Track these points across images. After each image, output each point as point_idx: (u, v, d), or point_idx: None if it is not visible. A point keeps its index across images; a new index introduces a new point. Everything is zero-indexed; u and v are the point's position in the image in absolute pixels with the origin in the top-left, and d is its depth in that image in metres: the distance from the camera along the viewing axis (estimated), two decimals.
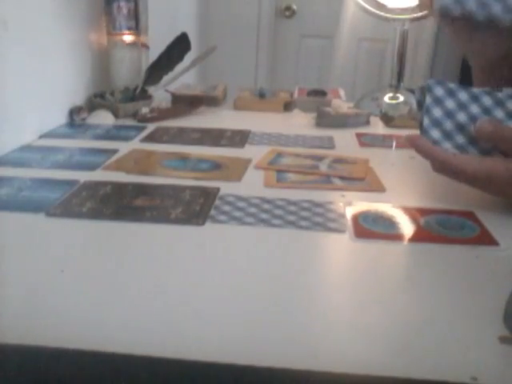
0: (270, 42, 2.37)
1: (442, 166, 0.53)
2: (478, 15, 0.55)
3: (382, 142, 0.82)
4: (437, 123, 0.54)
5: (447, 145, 0.54)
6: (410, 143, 0.55)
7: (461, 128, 0.54)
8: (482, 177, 0.51)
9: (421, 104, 0.56)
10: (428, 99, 0.55)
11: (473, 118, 0.54)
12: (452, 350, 0.32)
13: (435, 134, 0.54)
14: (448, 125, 0.54)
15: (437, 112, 0.54)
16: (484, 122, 0.53)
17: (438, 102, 0.55)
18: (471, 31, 0.58)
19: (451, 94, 0.54)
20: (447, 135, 0.54)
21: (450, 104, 0.54)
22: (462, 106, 0.54)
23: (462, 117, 0.54)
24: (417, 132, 0.56)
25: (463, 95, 0.54)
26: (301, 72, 2.39)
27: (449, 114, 0.54)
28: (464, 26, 0.58)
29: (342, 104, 1.01)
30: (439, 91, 0.55)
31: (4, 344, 0.31)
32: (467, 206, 0.54)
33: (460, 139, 0.54)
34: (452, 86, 0.55)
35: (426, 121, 0.54)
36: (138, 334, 0.33)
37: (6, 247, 0.44)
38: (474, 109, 0.54)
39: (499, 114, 0.53)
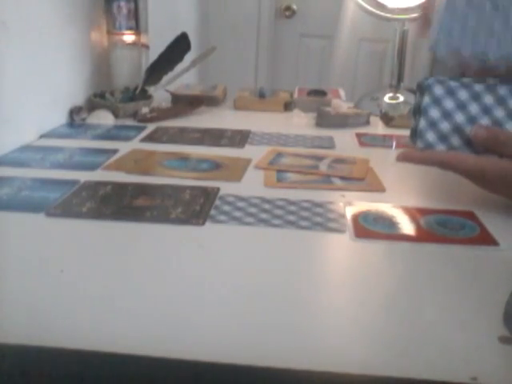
0: (270, 42, 2.37)
1: (442, 167, 0.53)
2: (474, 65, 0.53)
3: (382, 142, 0.82)
4: (433, 125, 0.53)
5: (441, 147, 0.53)
6: (405, 160, 0.55)
7: (458, 129, 0.53)
8: (478, 175, 0.52)
9: (416, 106, 0.55)
10: (426, 99, 0.53)
11: (471, 119, 0.53)
12: (452, 350, 0.32)
13: (430, 136, 0.53)
14: (445, 126, 0.53)
15: (434, 113, 0.53)
16: (479, 128, 0.52)
17: (437, 102, 0.53)
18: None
19: (451, 92, 0.53)
20: (443, 137, 0.53)
21: (448, 104, 0.53)
22: (461, 106, 0.53)
23: (459, 117, 0.53)
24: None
25: (463, 94, 0.53)
26: (301, 72, 2.38)
27: (446, 115, 0.53)
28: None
29: (342, 104, 1.01)
30: (439, 90, 0.53)
31: (4, 344, 0.31)
32: (467, 206, 0.54)
33: (455, 141, 0.53)
34: (452, 84, 0.53)
35: (422, 123, 0.53)
36: (138, 333, 0.33)
37: (6, 247, 0.44)
38: (474, 109, 0.53)
39: (499, 113, 0.53)
